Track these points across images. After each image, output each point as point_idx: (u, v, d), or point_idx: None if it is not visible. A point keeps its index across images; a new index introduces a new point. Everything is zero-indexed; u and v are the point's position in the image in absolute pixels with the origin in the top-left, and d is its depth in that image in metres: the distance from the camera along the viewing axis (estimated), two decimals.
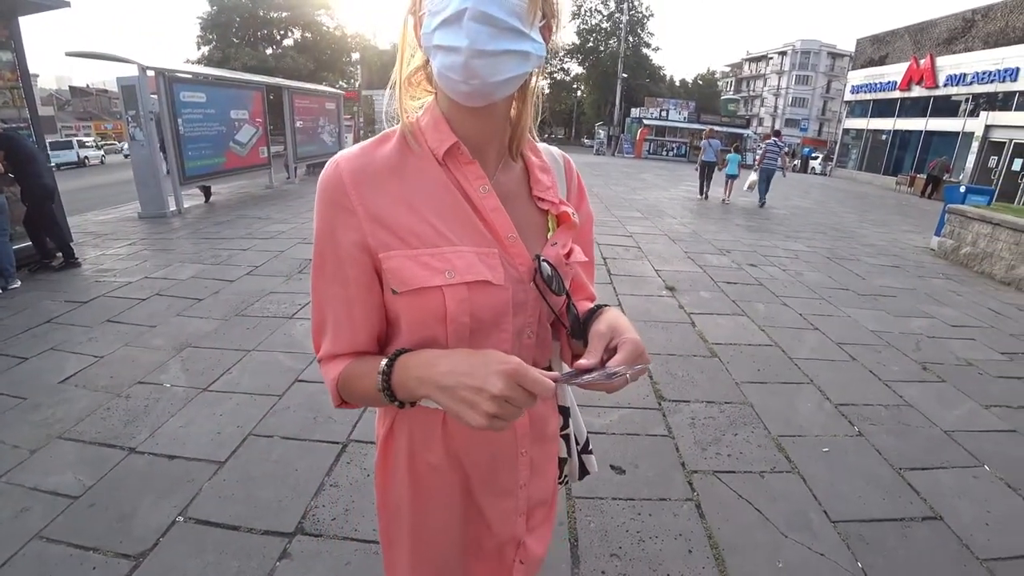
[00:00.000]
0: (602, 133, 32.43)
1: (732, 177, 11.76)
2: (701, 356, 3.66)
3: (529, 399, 0.58)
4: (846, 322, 4.57)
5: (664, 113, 29.93)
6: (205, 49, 36.48)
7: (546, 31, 0.68)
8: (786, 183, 18.31)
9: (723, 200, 11.80)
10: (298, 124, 11.51)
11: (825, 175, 29.32)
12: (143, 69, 7.10)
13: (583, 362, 0.66)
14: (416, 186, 0.70)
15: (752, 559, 1.94)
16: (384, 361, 0.67)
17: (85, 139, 29.42)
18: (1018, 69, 17.97)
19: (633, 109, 33.20)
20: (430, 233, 0.69)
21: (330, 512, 2.03)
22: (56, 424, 2.55)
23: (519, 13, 0.60)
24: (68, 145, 24.81)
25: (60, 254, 5.12)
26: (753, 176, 11.61)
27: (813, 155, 35.12)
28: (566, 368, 0.84)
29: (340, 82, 37.71)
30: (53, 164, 6.22)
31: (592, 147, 33.55)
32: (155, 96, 7.40)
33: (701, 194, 12.18)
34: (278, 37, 38.99)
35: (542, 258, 0.72)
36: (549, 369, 0.83)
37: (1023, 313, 5.33)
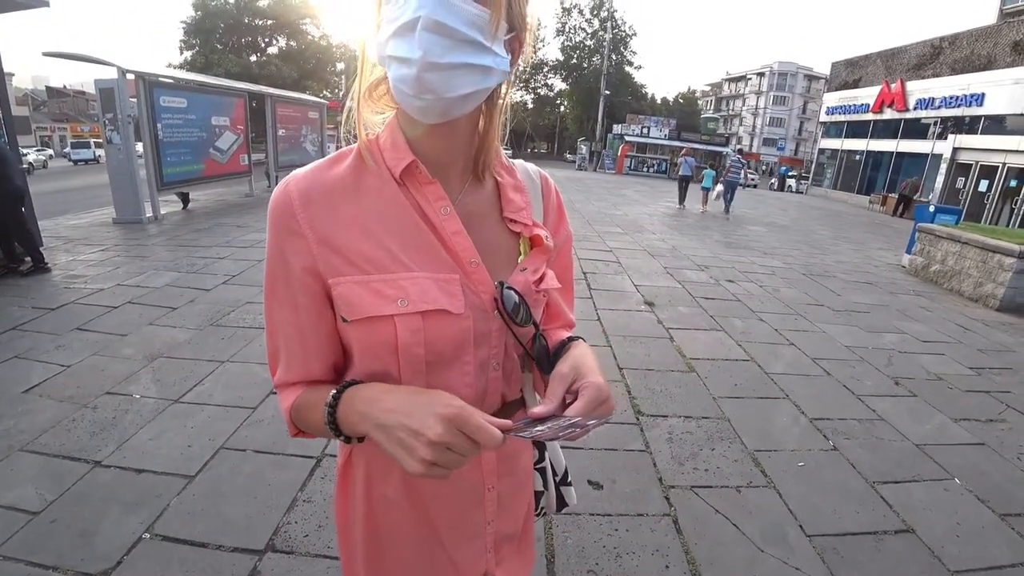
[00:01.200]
0: (584, 149, 32.80)
1: (707, 190, 13.44)
2: (679, 371, 3.69)
3: (472, 447, 0.54)
4: (821, 337, 4.66)
5: (645, 130, 30.37)
6: (188, 54, 36.16)
7: (516, 44, 0.64)
8: (764, 201, 18.85)
9: (701, 210, 13.27)
10: (280, 132, 11.43)
11: (801, 193, 30.04)
12: (123, 72, 6.99)
13: (538, 410, 0.63)
14: (372, 208, 0.65)
15: (728, 574, 1.95)
16: (331, 393, 0.63)
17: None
18: (984, 95, 18.74)
19: (615, 125, 33.61)
20: (384, 258, 0.64)
21: (302, 529, 1.99)
22: (18, 435, 2.45)
23: (479, 24, 0.56)
24: (86, 144, 27.48)
25: (29, 259, 4.97)
26: (719, 187, 13.30)
27: (790, 174, 35.96)
28: (537, 399, 0.80)
29: (324, 92, 37.60)
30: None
31: (575, 162, 33.92)
32: (134, 100, 7.29)
33: (680, 203, 13.96)
34: (263, 44, 38.85)
35: (506, 285, 0.67)
36: (521, 402, 0.80)
37: (990, 329, 5.50)
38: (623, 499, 2.32)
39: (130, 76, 7.14)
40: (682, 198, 14.03)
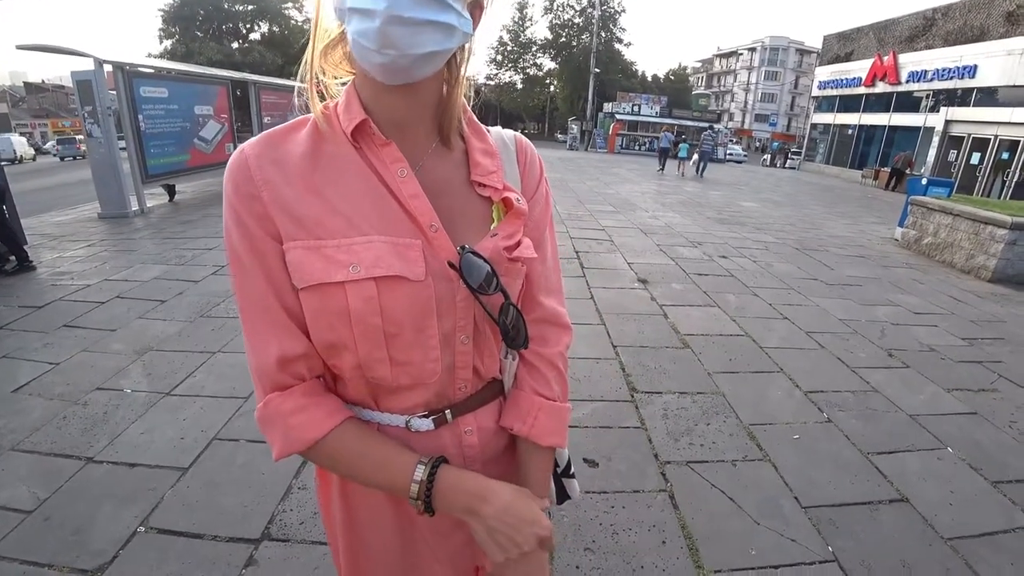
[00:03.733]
0: (575, 128, 32.47)
1: (683, 159, 18.56)
2: (673, 347, 3.69)
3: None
4: (815, 311, 4.67)
5: (636, 108, 30.12)
6: (167, 43, 35.47)
7: (476, 10, 0.62)
8: (758, 177, 18.98)
9: (678, 174, 17.41)
10: (266, 120, 11.24)
11: (794, 169, 30.00)
12: (100, 63, 6.83)
13: None
14: (328, 172, 0.63)
15: (725, 547, 1.96)
16: (422, 470, 0.65)
17: None
18: (976, 67, 18.65)
19: (606, 104, 33.31)
20: (338, 223, 0.61)
21: (298, 516, 1.98)
22: (8, 435, 2.42)
23: None
24: (72, 140, 28.73)
25: (13, 257, 4.89)
26: (696, 156, 17.69)
27: (787, 149, 35.83)
28: (511, 384, 0.78)
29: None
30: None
31: (566, 142, 33.62)
32: (114, 92, 7.13)
33: (660, 169, 18.16)
34: (244, 31, 38.12)
35: (469, 250, 0.64)
36: (500, 386, 0.77)
37: (982, 300, 5.53)
38: (619, 476, 2.32)
39: (108, 67, 6.98)
40: (662, 165, 18.46)
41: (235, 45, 36.73)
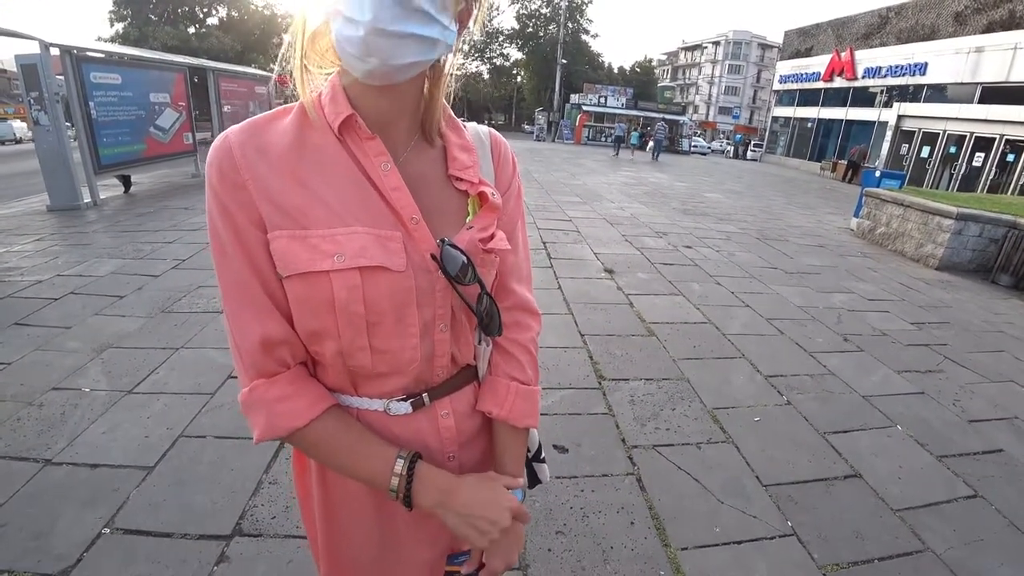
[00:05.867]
0: (542, 119, 32.41)
1: (635, 146, 23.85)
2: (639, 335, 3.77)
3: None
4: (775, 299, 4.84)
5: (603, 99, 30.28)
6: (119, 26, 33.73)
7: (465, 15, 0.64)
8: (720, 169, 19.33)
9: (630, 158, 20.59)
10: (225, 109, 10.87)
11: (756, 161, 30.76)
12: (46, 46, 6.47)
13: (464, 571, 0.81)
14: (313, 163, 0.64)
15: (691, 526, 2.04)
16: (401, 463, 0.67)
17: None
18: (926, 64, 19.48)
19: (572, 95, 33.35)
20: (322, 213, 0.62)
21: (269, 511, 1.97)
22: None
23: None
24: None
25: None
26: (651, 144, 21.87)
27: (746, 142, 36.66)
28: (485, 369, 0.81)
29: (271, 65, 35.89)
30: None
31: (532, 133, 33.55)
32: (62, 77, 6.78)
33: (615, 154, 21.46)
34: (201, 15, 36.56)
35: (448, 242, 0.66)
36: (474, 371, 0.79)
37: (930, 286, 5.83)
38: (588, 461, 2.38)
39: (54, 51, 6.62)
40: (616, 151, 22.04)
41: (191, 30, 35.20)
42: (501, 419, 0.79)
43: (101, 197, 7.54)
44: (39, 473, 2.12)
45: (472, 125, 0.80)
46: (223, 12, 36.91)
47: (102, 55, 7.93)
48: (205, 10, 36.52)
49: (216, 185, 0.62)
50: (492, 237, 0.72)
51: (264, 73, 13.64)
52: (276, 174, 0.62)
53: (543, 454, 0.95)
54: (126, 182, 8.52)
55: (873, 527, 2.12)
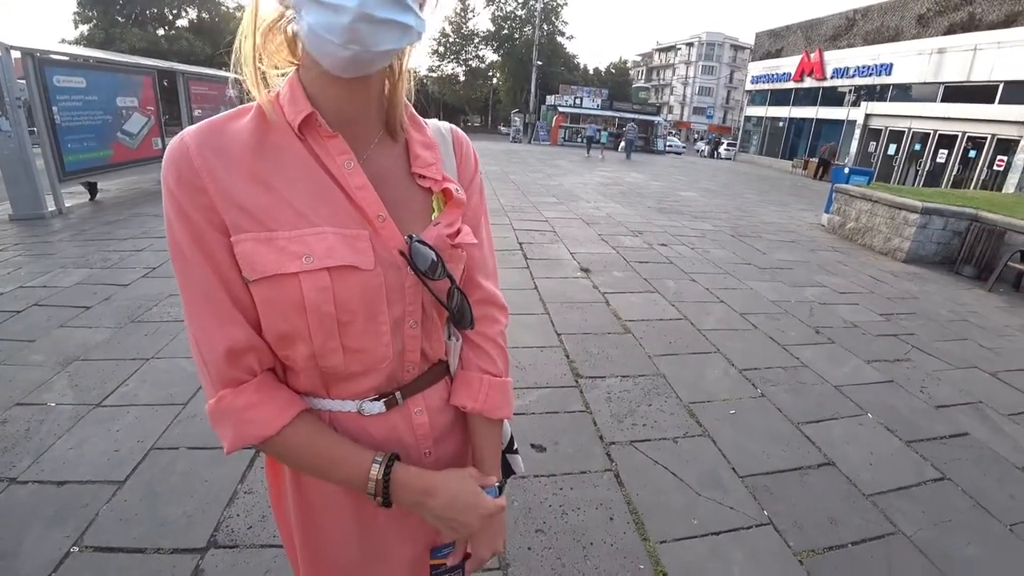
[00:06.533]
0: (518, 121, 32.43)
1: (604, 145, 24.14)
2: (615, 333, 3.81)
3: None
4: (748, 294, 4.93)
5: (578, 100, 30.42)
6: (84, 28, 32.82)
7: (422, 7, 0.63)
8: (695, 168, 19.67)
9: (600, 157, 21.24)
10: (196, 112, 10.65)
11: (730, 159, 31.28)
12: (7, 49, 6.26)
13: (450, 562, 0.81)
14: (274, 163, 0.63)
15: (669, 519, 2.06)
16: (379, 470, 0.67)
17: None
18: (892, 64, 20.09)
19: (548, 96, 33.46)
20: (288, 214, 0.61)
21: (245, 521, 1.93)
22: None
23: None
24: None
25: None
26: (623, 143, 22.79)
27: (719, 141, 37.31)
28: (456, 365, 0.82)
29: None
30: None
31: (509, 135, 33.57)
32: (23, 80, 6.57)
33: (587, 154, 22.04)
34: (170, 17, 35.80)
35: (416, 239, 0.66)
36: (445, 366, 0.80)
37: (898, 279, 6.00)
38: (566, 459, 2.39)
39: (15, 53, 6.41)
40: (588, 151, 22.64)
41: (161, 32, 34.43)
42: (476, 412, 0.80)
43: (67, 205, 7.32)
44: (3, 493, 2.05)
45: (433, 122, 0.80)
46: (193, 14, 36.22)
47: (66, 57, 7.70)
48: (175, 12, 35.77)
49: (174, 189, 0.60)
50: (459, 232, 0.73)
51: (236, 76, 13.39)
52: (237, 176, 0.60)
53: (516, 445, 0.96)
54: (92, 189, 8.28)
55: (846, 513, 2.17)
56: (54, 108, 6.88)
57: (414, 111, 0.76)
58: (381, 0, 0.55)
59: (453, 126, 0.83)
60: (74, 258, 5.09)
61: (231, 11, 37.13)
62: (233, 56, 0.64)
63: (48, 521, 1.90)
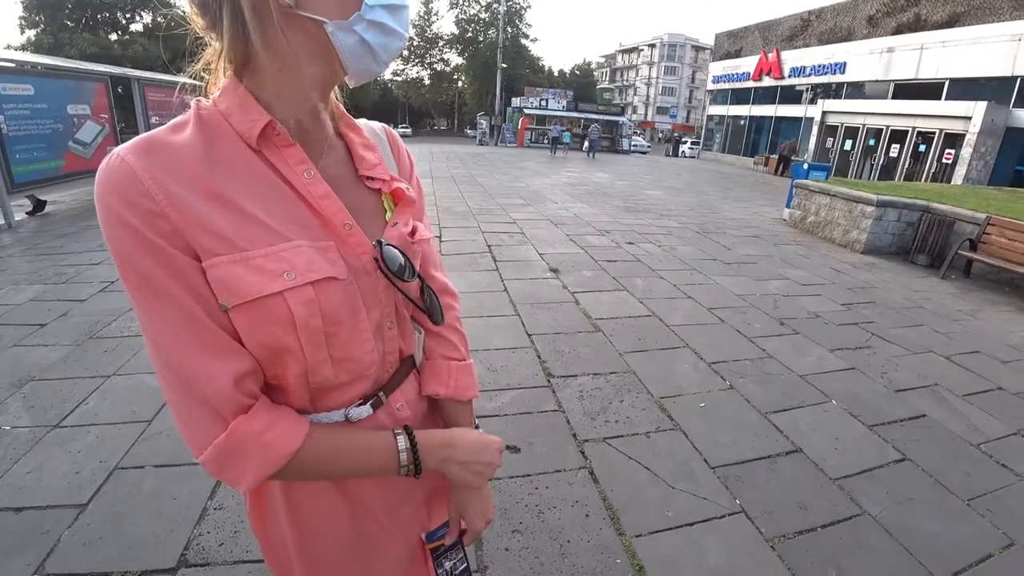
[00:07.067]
0: (484, 123, 32.41)
1: (567, 145, 25.23)
2: (585, 332, 3.84)
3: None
4: (715, 289, 5.04)
5: (544, 102, 30.62)
6: (31, 33, 31.43)
7: None
8: (660, 167, 20.01)
9: (563, 155, 22.95)
10: (153, 120, 10.32)
11: (694, 157, 31.94)
12: None
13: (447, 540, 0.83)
14: (230, 178, 0.59)
15: (644, 513, 2.10)
16: (406, 438, 0.70)
17: None
18: (845, 63, 20.88)
19: (514, 99, 33.54)
20: (259, 231, 0.58)
21: (216, 538, 1.88)
22: None
23: None
24: None
25: None
26: (587, 143, 23.59)
27: (683, 139, 38.04)
28: (422, 356, 0.85)
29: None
30: None
31: (475, 138, 33.52)
32: None
33: (552, 154, 23.00)
34: (123, 21, 34.57)
35: (384, 243, 0.67)
36: (412, 360, 0.81)
37: (857, 270, 6.23)
38: (541, 458, 2.41)
39: None
40: (553, 151, 23.73)
41: (113, 37, 33.22)
42: (448, 397, 0.83)
43: (16, 218, 7.00)
44: None
45: (364, 122, 0.81)
46: (148, 18, 35.04)
47: (12, 64, 7.36)
48: (128, 16, 34.56)
49: (126, 216, 0.53)
50: (416, 229, 0.75)
51: (195, 83, 13.04)
52: (195, 195, 0.56)
53: (476, 422, 0.98)
54: (37, 203, 7.85)
55: (815, 497, 2.25)
56: (0, 117, 6.58)
57: (344, 111, 0.76)
58: (408, 23, 0.65)
59: (385, 125, 0.84)
60: (26, 274, 4.87)
61: (188, 15, 36.05)
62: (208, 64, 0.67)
63: (6, 550, 1.81)
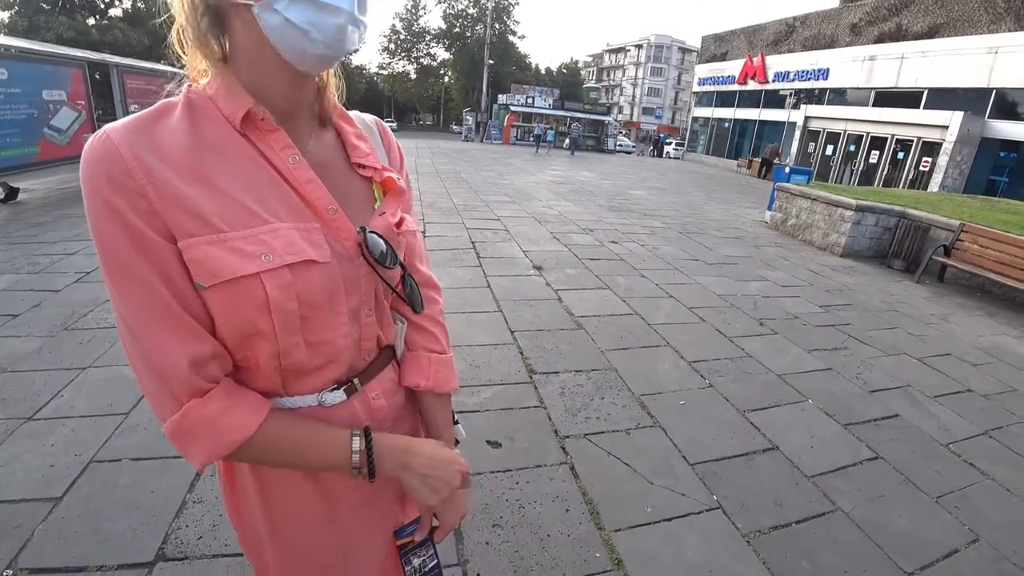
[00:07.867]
0: (470, 119, 32.28)
1: (550, 142, 25.93)
2: (568, 329, 3.87)
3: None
4: (696, 288, 5.11)
5: (530, 100, 30.49)
6: (4, 15, 30.44)
7: None
8: (644, 167, 20.20)
9: (546, 152, 23.56)
10: (132, 108, 10.10)
11: (678, 159, 32.21)
12: None
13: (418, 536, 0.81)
14: (215, 160, 0.60)
15: (624, 508, 2.13)
16: (361, 440, 0.68)
17: None
18: (828, 69, 21.25)
19: (500, 95, 33.43)
20: (240, 213, 0.59)
21: (195, 531, 1.87)
22: None
23: None
24: None
25: None
26: (568, 141, 24.70)
27: (667, 140, 38.31)
28: (403, 347, 0.85)
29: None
30: None
31: (461, 134, 33.37)
32: None
33: (536, 152, 23.21)
34: (102, 5, 33.65)
35: (369, 230, 0.68)
36: (392, 350, 0.82)
37: (835, 272, 6.35)
38: (522, 454, 2.42)
39: None
40: (537, 148, 24.04)
41: (91, 21, 32.33)
42: (427, 389, 0.84)
43: None
44: None
45: (356, 114, 0.82)
46: (128, 3, 34.21)
47: None
48: (107, 0, 33.68)
49: (106, 194, 0.54)
50: (403, 221, 0.76)
51: (176, 70, 12.78)
52: (178, 176, 0.57)
53: (456, 417, 0.99)
54: (9, 191, 7.63)
55: (790, 494, 2.30)
56: None
57: (337, 102, 0.77)
58: (362, 5, 0.60)
59: (376, 118, 0.85)
60: None
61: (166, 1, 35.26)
62: (175, 35, 0.64)
63: None
